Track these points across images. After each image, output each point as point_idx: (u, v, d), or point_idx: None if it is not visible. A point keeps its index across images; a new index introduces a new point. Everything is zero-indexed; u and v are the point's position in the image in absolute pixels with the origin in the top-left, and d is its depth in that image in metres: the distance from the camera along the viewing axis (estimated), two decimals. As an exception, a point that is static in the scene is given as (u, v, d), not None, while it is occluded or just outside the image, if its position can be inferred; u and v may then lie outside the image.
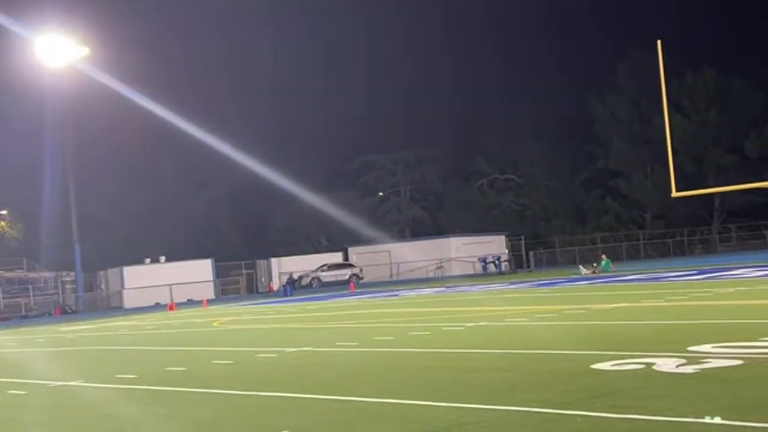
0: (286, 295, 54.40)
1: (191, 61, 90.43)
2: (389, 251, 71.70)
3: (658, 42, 36.85)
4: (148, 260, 65.55)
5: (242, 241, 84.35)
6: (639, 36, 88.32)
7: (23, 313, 59.65)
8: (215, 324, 30.60)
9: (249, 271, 71.10)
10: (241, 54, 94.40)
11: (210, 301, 54.49)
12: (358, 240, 78.79)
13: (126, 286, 63.11)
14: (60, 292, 66.29)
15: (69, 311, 60.28)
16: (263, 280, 70.38)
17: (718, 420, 7.45)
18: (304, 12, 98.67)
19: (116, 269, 65.12)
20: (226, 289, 68.00)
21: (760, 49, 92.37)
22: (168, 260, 65.45)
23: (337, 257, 73.08)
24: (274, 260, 70.98)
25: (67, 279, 67.06)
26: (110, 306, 63.54)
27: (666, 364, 11.47)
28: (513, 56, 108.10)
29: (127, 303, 61.47)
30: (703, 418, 8.07)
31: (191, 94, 76.54)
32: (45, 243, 68.84)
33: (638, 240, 79.20)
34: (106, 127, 72.47)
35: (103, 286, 67.57)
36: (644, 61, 70.62)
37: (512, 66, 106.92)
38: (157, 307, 54.55)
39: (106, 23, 69.40)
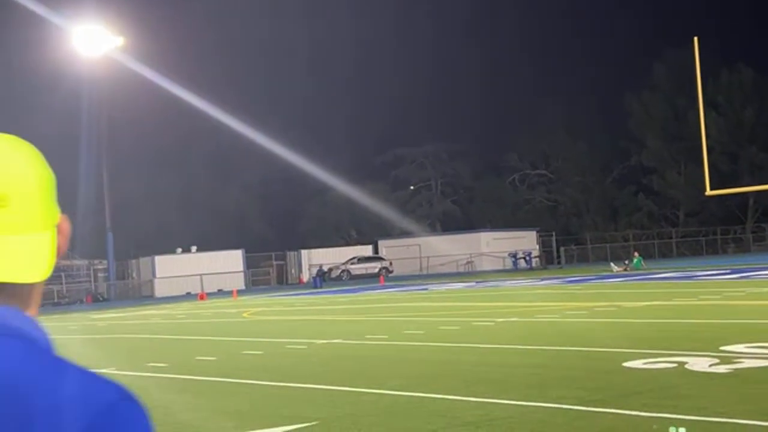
0: (315, 287, 54.50)
1: (224, 51, 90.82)
2: (419, 245, 71.62)
3: (695, 39, 36.57)
4: (179, 250, 65.93)
5: (273, 233, 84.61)
6: (675, 33, 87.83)
7: (56, 300, 60.19)
8: (245, 315, 30.72)
9: (279, 262, 71.31)
10: (275, 45, 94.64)
11: (240, 292, 54.73)
12: (389, 233, 78.76)
13: (157, 275, 63.52)
14: (92, 279, 66.84)
15: (101, 299, 60.76)
16: (293, 271, 70.57)
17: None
18: (339, 3, 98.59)
19: (148, 258, 65.55)
20: (256, 280, 68.24)
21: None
22: (199, 250, 65.80)
23: (367, 250, 73.11)
24: (304, 252, 71.15)
25: (100, 267, 67.60)
26: (141, 295, 63.98)
27: (698, 363, 11.37)
28: (547, 52, 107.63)
29: (159, 292, 61.86)
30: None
31: (224, 84, 76.88)
32: (78, 231, 69.47)
33: (671, 238, 78.61)
34: (140, 116, 72.95)
35: (134, 274, 68.05)
36: (680, 58, 70.05)
37: (546, 61, 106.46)
38: (188, 296, 54.86)
39: (141, 13, 69.88)
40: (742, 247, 76.99)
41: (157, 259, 64.59)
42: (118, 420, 1.17)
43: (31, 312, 1.27)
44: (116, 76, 61.34)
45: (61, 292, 62.96)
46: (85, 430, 1.15)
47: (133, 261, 68.33)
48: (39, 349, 1.22)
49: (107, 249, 63.09)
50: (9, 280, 1.21)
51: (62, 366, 1.20)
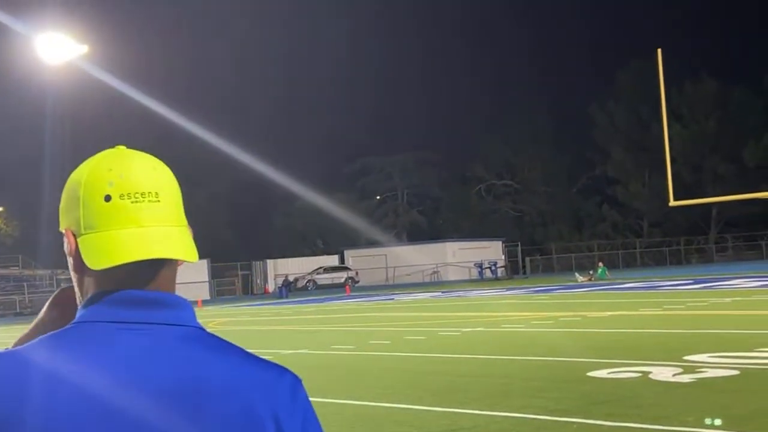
0: (281, 297, 54.31)
1: (190, 58, 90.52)
2: (386, 255, 71.62)
3: (658, 50, 36.92)
4: (143, 259, 65.42)
5: (238, 242, 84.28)
6: (640, 44, 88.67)
7: (18, 310, 59.55)
8: (210, 325, 30.53)
9: (245, 272, 71.03)
10: (241, 53, 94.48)
11: (205, 302, 54.41)
12: (355, 243, 78.69)
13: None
14: (55, 289, 66.20)
15: (64, 309, 60.11)
16: (259, 281, 70.31)
17: (718, 422, 7.42)
18: (306, 11, 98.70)
19: (111, 268, 65.01)
20: (221, 290, 67.90)
21: (760, 58, 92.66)
22: (164, 260, 65.28)
23: (333, 260, 73.03)
24: (270, 262, 70.91)
25: (63, 277, 66.93)
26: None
27: (662, 372, 11.46)
28: (513, 63, 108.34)
29: (123, 302, 61.32)
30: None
31: (190, 92, 76.64)
32: (42, 240, 68.80)
33: (635, 248, 79.19)
34: (104, 124, 72.53)
35: (98, 284, 67.51)
36: (644, 69, 70.68)
37: (512, 72, 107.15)
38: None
39: (107, 21, 69.48)
40: (705, 258, 77.72)
41: (121, 268, 64.06)
42: (299, 396, 1.40)
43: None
44: (80, 85, 60.90)
45: (24, 302, 62.30)
46: (271, 407, 1.34)
47: (97, 271, 67.77)
48: (214, 337, 1.42)
49: (71, 259, 62.49)
50: (175, 256, 1.38)
51: (236, 350, 1.41)
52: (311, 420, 1.43)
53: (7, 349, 1.39)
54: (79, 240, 1.40)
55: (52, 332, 1.38)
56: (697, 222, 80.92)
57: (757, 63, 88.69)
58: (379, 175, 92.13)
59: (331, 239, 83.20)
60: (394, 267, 70.28)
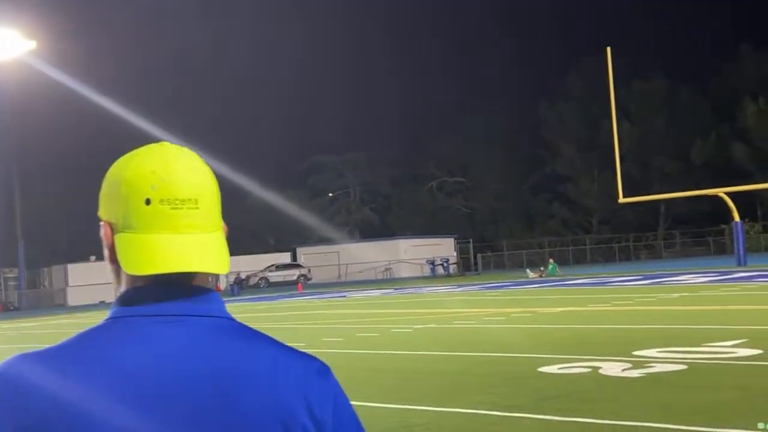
0: (233, 295, 54.06)
1: (141, 54, 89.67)
2: (338, 252, 71.57)
3: (608, 49, 37.30)
4: (93, 257, 64.74)
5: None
6: (590, 42, 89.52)
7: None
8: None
9: (196, 270, 70.46)
10: (192, 49, 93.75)
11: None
12: (307, 240, 78.52)
13: (70, 284, 62.26)
14: (2, 289, 65.24)
15: (11, 308, 59.34)
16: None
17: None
18: (263, 9, 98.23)
19: (60, 266, 64.22)
20: (172, 288, 67.26)
21: (708, 57, 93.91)
22: (114, 258, 64.56)
23: (285, 257, 72.81)
24: (221, 259, 70.43)
25: (10, 276, 66.04)
26: (54, 303, 62.67)
27: (612, 368, 11.58)
28: (466, 59, 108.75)
29: (72, 300, 60.65)
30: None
31: (141, 89, 75.81)
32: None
33: (585, 245, 79.95)
34: (53, 122, 71.55)
35: (46, 283, 66.63)
36: (594, 67, 71.35)
37: (464, 69, 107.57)
38: (102, 305, 53.85)
39: (55, 18, 68.47)
40: (653, 254, 78.70)
41: (70, 267, 63.32)
42: (330, 381, 1.47)
43: None
44: (28, 81, 60.01)
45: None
46: (302, 393, 1.42)
47: (46, 269, 66.89)
48: (248, 329, 1.51)
49: (18, 257, 61.65)
50: (208, 270, 1.46)
51: (266, 339, 1.52)
52: (343, 403, 1.48)
53: (45, 347, 1.44)
54: (116, 237, 1.46)
55: (90, 328, 1.45)
56: (645, 219, 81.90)
57: (705, 64, 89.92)
58: (332, 173, 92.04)
59: (283, 237, 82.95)
60: (347, 264, 70.27)
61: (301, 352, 1.52)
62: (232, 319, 1.50)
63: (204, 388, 1.38)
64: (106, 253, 1.49)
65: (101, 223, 1.50)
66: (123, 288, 1.48)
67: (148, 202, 1.43)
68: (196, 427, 1.36)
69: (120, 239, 1.45)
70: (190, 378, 1.38)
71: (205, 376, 1.38)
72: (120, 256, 1.44)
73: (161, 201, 1.43)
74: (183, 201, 1.44)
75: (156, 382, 1.36)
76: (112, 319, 1.44)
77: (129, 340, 1.40)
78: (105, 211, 1.50)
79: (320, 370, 1.48)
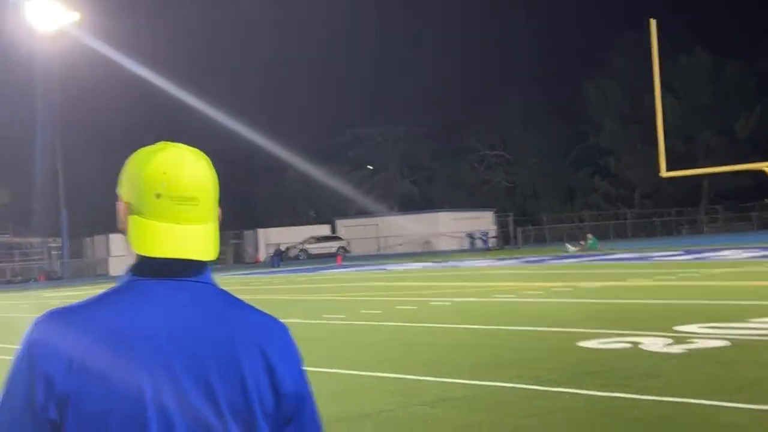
0: (273, 267, 54.34)
1: (182, 27, 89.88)
2: (377, 224, 71.60)
3: (652, 22, 36.78)
4: (135, 228, 65.26)
5: (229, 211, 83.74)
6: (633, 16, 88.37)
7: (8, 278, 59.48)
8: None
9: (236, 241, 70.94)
10: (235, 25, 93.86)
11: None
12: (346, 213, 78.63)
13: (112, 254, 62.88)
14: (46, 257, 66.07)
15: (54, 277, 60.11)
16: (250, 250, 70.26)
17: None
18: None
19: (103, 236, 64.82)
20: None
21: (753, 32, 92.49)
22: (155, 228, 65.03)
23: (324, 229, 73.01)
24: (261, 231, 70.84)
25: (54, 245, 66.80)
26: (96, 273, 63.38)
27: (653, 343, 11.50)
28: (507, 35, 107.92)
29: (113, 270, 61.26)
30: None
31: (182, 62, 76.07)
32: (33, 208, 68.54)
33: (626, 219, 79.31)
34: (96, 93, 72.01)
35: (89, 252, 67.36)
36: (637, 41, 70.45)
37: (506, 45, 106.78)
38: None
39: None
40: (695, 229, 77.93)
41: (112, 237, 63.88)
42: (287, 341, 1.91)
43: None
44: (72, 53, 60.45)
45: (15, 270, 62.20)
46: (266, 348, 1.83)
47: (88, 239, 67.59)
48: (229, 294, 1.88)
49: (61, 227, 62.37)
50: (198, 257, 1.79)
51: (244, 304, 1.89)
52: (296, 358, 1.95)
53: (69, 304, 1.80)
54: (129, 217, 1.83)
55: (109, 289, 1.82)
56: (688, 193, 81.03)
57: (750, 39, 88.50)
58: (371, 145, 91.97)
59: (323, 209, 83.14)
60: (386, 237, 70.31)
61: (268, 314, 1.93)
62: (218, 287, 1.87)
63: (211, 341, 1.77)
64: (120, 225, 1.86)
65: (119, 201, 1.87)
66: (136, 261, 1.84)
67: (158, 196, 1.80)
68: (197, 359, 1.75)
69: (132, 221, 1.82)
70: (200, 332, 1.77)
71: (210, 331, 1.78)
72: (130, 237, 1.81)
73: (169, 197, 1.80)
74: (186, 199, 1.81)
75: (172, 335, 1.75)
76: (128, 282, 1.82)
77: (144, 299, 1.77)
78: (124, 193, 1.86)
79: (284, 329, 1.93)
